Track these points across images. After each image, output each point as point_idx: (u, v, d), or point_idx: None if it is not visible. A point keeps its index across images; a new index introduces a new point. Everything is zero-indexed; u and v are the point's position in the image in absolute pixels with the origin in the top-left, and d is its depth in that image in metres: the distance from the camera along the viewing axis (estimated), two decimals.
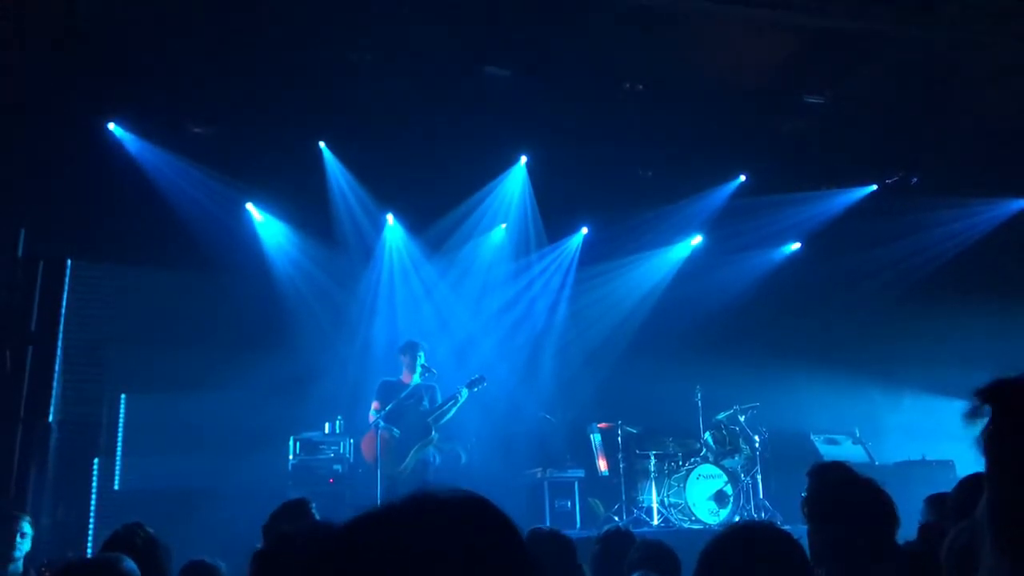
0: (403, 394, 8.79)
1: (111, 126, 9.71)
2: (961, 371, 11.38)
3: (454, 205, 11.05)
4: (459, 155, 10.08)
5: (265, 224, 10.81)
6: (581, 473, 10.11)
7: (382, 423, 8.70)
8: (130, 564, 3.18)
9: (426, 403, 8.92)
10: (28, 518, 6.28)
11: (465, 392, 8.90)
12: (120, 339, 10.01)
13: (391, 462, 8.66)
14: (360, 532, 0.98)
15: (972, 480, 3.12)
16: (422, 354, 9.06)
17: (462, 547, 0.96)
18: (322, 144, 10.44)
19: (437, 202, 10.87)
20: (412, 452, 8.71)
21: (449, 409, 8.89)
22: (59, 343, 8.31)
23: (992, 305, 11.03)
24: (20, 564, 6.10)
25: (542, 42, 8.97)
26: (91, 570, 3.23)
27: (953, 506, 2.83)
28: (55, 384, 8.25)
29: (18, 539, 6.08)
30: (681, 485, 9.73)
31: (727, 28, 9.05)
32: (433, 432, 8.80)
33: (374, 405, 8.95)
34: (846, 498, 3.01)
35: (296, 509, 4.02)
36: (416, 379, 8.96)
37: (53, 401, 8.22)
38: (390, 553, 0.94)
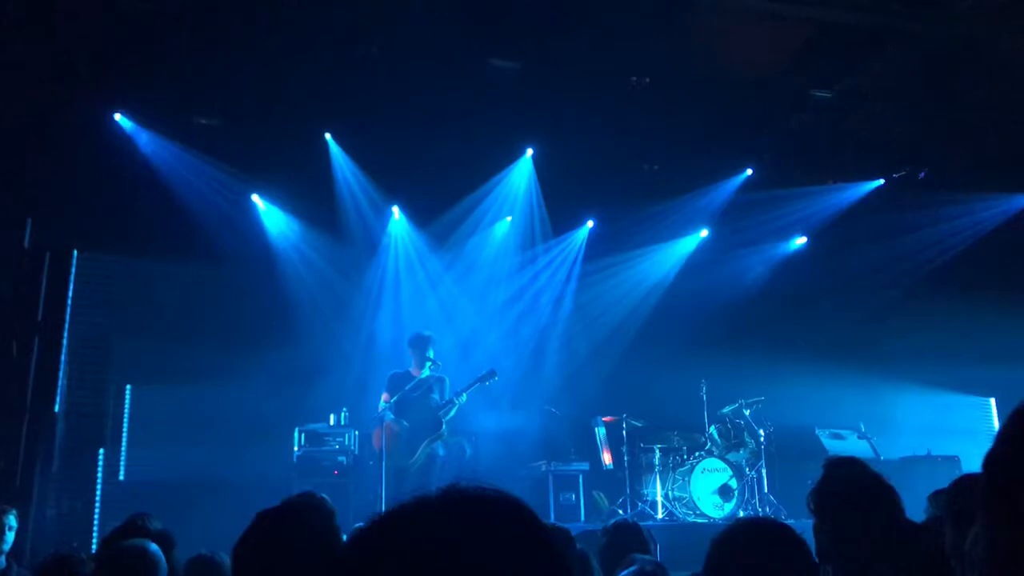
0: (409, 385, 8.77)
1: (117, 117, 9.71)
2: (967, 367, 11.40)
3: (460, 198, 11.03)
4: (465, 148, 10.06)
5: (271, 216, 10.82)
6: (585, 466, 10.12)
7: (390, 415, 8.69)
8: (155, 547, 3.24)
9: (436, 396, 8.88)
10: (14, 512, 6.05)
11: (464, 397, 8.84)
12: (125, 330, 10.03)
13: (401, 455, 8.64)
14: (395, 528, 0.96)
15: (970, 481, 3.05)
16: (431, 351, 9.02)
17: (499, 548, 0.94)
18: (328, 136, 10.43)
19: (443, 195, 10.86)
20: (423, 446, 8.68)
21: (450, 409, 8.85)
22: (65, 334, 8.34)
23: (999, 301, 10.99)
24: (3, 559, 5.94)
25: (549, 35, 8.93)
26: (127, 555, 3.28)
27: (954, 508, 2.76)
28: (61, 374, 8.28)
29: (7, 533, 5.92)
30: (686, 479, 9.73)
31: (735, 21, 9.00)
32: (443, 426, 8.77)
33: (384, 397, 8.94)
34: (854, 494, 3.01)
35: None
36: (425, 371, 8.95)
37: (59, 391, 8.24)
38: (425, 552, 0.92)
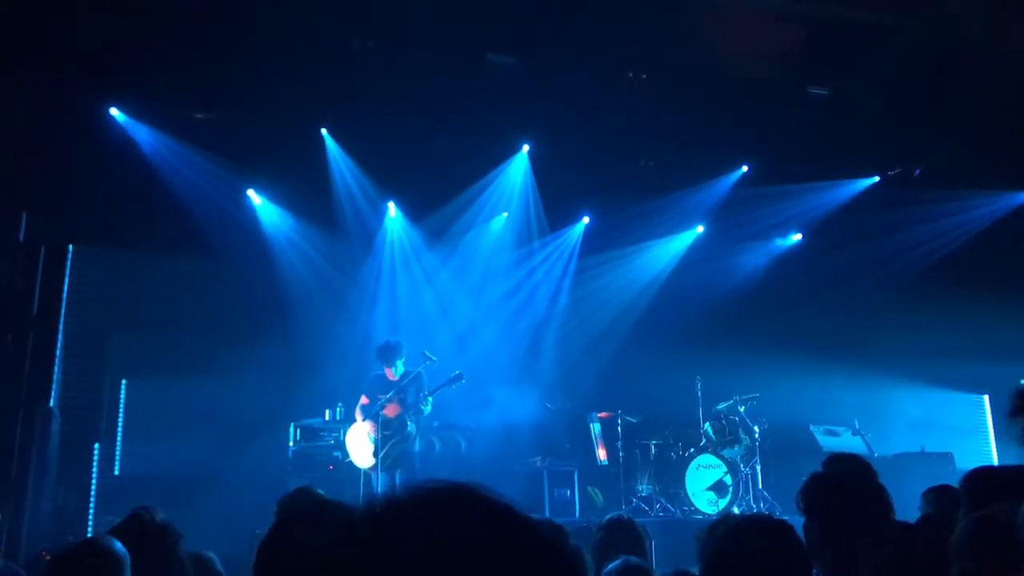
0: (389, 395, 8.70)
1: (113, 111, 9.69)
2: (961, 364, 11.43)
3: (456, 193, 11.04)
4: (461, 143, 10.06)
5: (266, 210, 10.81)
6: (580, 462, 10.13)
7: (371, 418, 8.66)
8: (118, 545, 3.20)
9: (411, 398, 8.84)
10: None
11: (431, 400, 8.78)
12: (121, 324, 10.04)
13: (370, 454, 8.64)
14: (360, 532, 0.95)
15: (981, 472, 3.15)
16: (399, 363, 8.93)
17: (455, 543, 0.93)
18: (324, 131, 10.42)
19: (439, 190, 10.86)
20: (387, 448, 8.64)
21: (419, 413, 8.81)
22: (60, 328, 8.31)
23: (993, 298, 11.02)
24: None
25: (545, 30, 8.94)
26: (81, 553, 3.24)
27: (965, 499, 2.87)
28: (56, 369, 8.25)
29: None
30: (680, 475, 9.75)
31: (732, 18, 9.01)
32: (409, 427, 8.74)
33: (363, 400, 8.92)
34: (842, 493, 3.02)
35: (302, 498, 4.00)
36: (400, 371, 8.88)
37: (54, 386, 8.22)
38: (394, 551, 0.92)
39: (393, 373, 8.85)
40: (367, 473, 8.61)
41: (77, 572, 3.17)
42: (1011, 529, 1.81)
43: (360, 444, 8.74)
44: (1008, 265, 11.61)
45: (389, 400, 8.66)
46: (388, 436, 8.63)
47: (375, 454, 8.55)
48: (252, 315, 9.99)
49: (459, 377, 8.88)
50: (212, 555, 3.96)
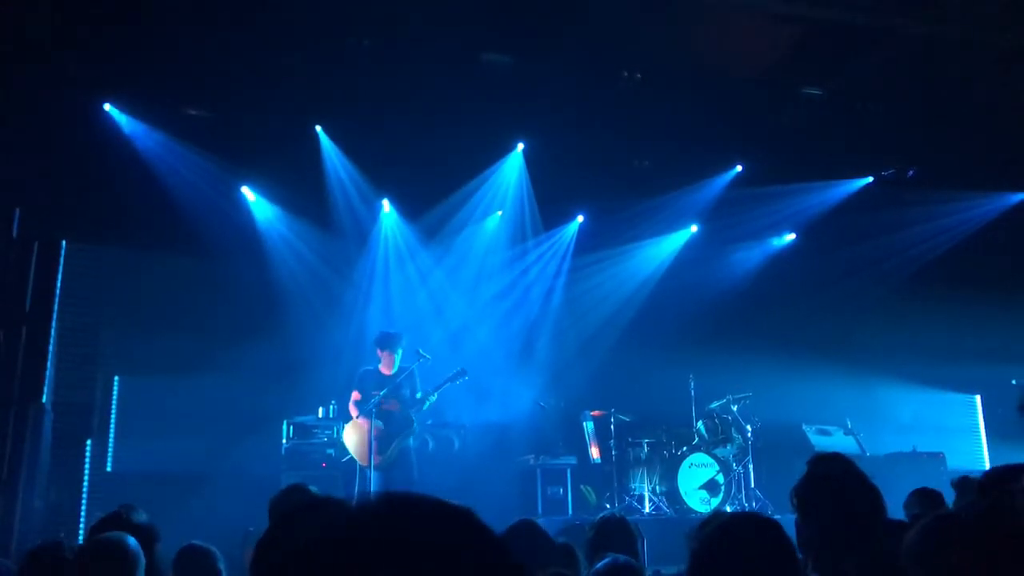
0: (384, 392, 8.65)
1: (107, 107, 9.67)
2: (953, 364, 11.47)
3: (451, 191, 11.04)
4: (456, 141, 10.05)
5: (260, 207, 10.79)
6: (573, 460, 10.14)
7: (367, 415, 8.64)
8: (133, 541, 3.23)
9: (407, 392, 8.83)
10: None
11: (435, 396, 8.78)
12: (114, 321, 10.02)
13: (372, 452, 8.61)
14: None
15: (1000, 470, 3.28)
16: (400, 352, 8.93)
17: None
18: (319, 128, 10.41)
19: (433, 188, 10.86)
20: (394, 444, 8.63)
21: (421, 407, 8.79)
22: (53, 325, 8.29)
23: (985, 299, 11.06)
24: None
25: (541, 30, 8.94)
26: (97, 551, 3.26)
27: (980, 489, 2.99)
28: (49, 366, 8.23)
29: None
30: (673, 474, 9.77)
31: (727, 18, 9.02)
32: (415, 424, 8.73)
33: (354, 395, 8.87)
34: (836, 491, 3.04)
35: (295, 495, 4.01)
36: (396, 367, 8.88)
37: (47, 382, 8.21)
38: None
39: (390, 366, 8.83)
40: (362, 470, 8.58)
41: (97, 571, 3.19)
42: (959, 530, 1.83)
43: (362, 441, 8.66)
44: (1000, 266, 11.66)
45: (386, 396, 8.64)
46: (394, 432, 8.61)
47: (380, 451, 8.53)
48: (245, 312, 9.98)
49: (462, 372, 8.90)
50: (215, 551, 3.97)
